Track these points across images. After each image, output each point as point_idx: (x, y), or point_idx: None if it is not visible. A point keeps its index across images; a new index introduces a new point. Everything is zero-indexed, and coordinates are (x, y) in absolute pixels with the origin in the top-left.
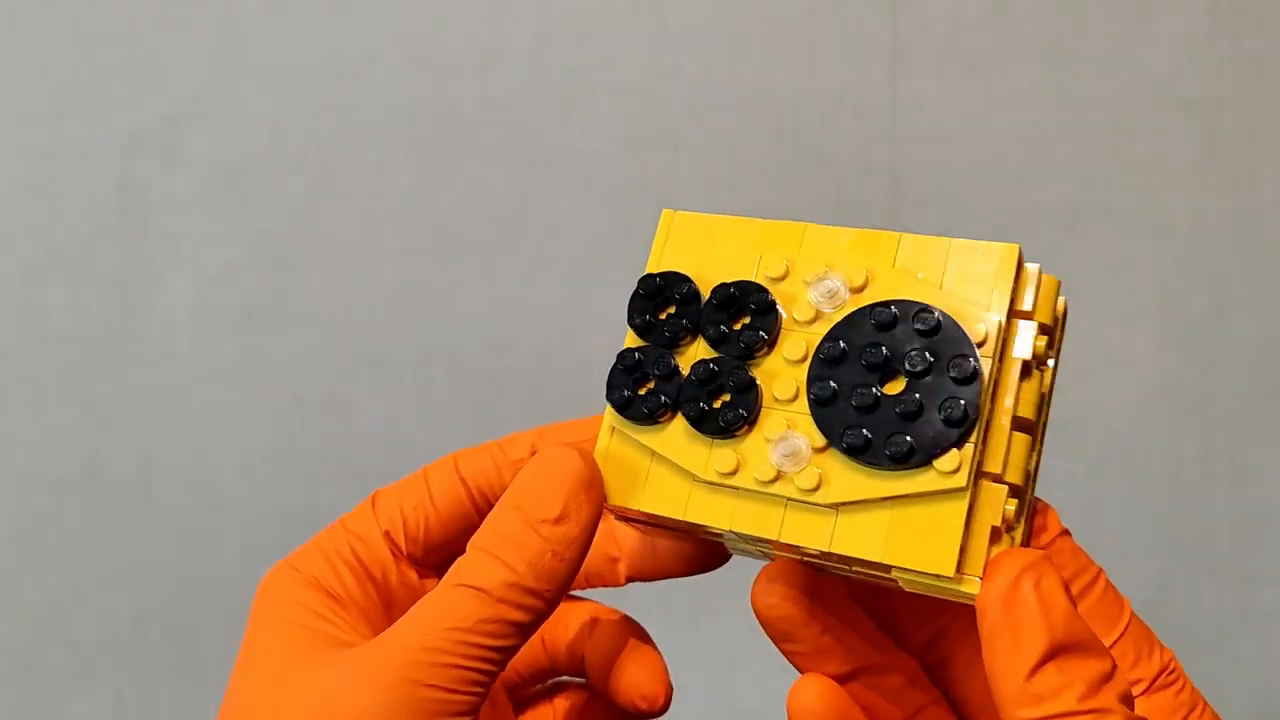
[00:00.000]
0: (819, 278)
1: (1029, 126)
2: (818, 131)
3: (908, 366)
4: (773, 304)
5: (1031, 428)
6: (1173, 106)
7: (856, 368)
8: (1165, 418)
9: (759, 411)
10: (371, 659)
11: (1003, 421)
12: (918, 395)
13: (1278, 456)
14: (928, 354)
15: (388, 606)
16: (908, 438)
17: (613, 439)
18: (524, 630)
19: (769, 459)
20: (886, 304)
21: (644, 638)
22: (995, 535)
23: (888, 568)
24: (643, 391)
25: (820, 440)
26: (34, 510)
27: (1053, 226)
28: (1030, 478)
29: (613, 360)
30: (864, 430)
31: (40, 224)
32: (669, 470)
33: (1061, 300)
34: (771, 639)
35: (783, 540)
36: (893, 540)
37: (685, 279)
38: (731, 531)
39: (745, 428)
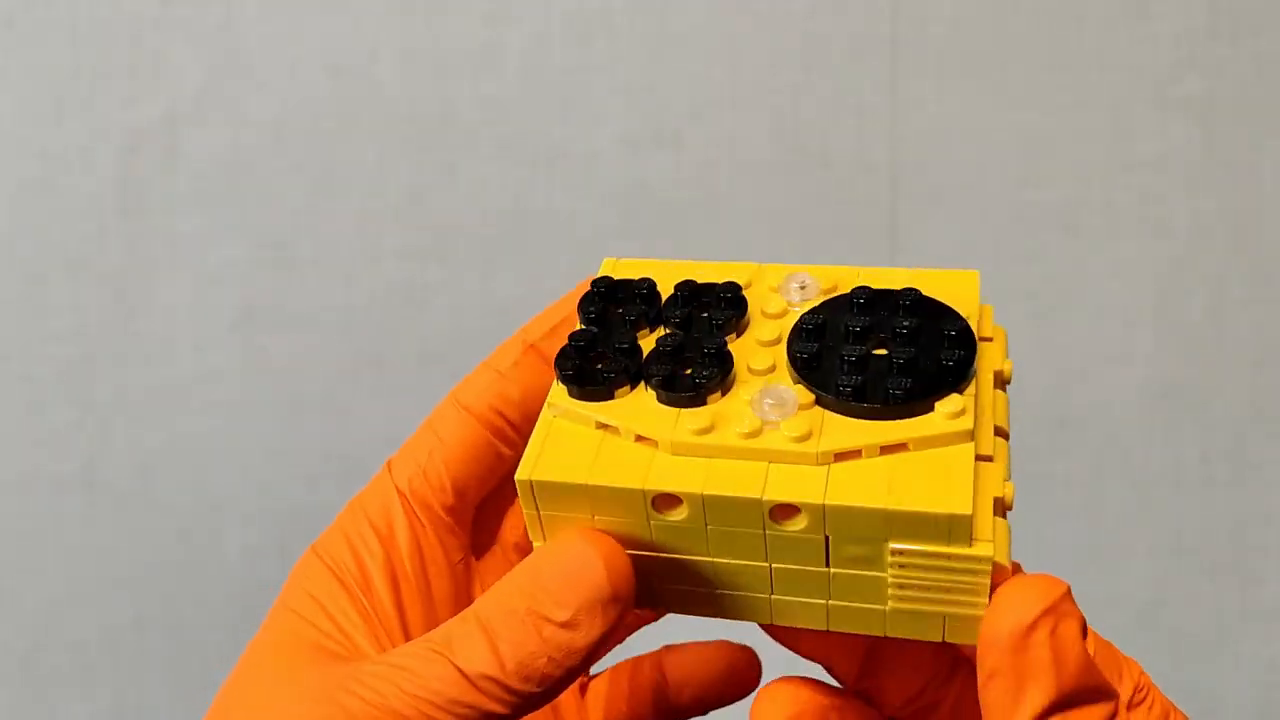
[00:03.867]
0: (789, 276)
1: (1029, 126)
2: (818, 131)
3: (896, 330)
4: (742, 296)
5: (1006, 439)
6: (1173, 106)
7: (838, 336)
8: (1165, 418)
9: (734, 379)
10: (338, 697)
11: (985, 417)
12: (911, 349)
13: (1278, 456)
14: (914, 321)
15: (423, 586)
16: (906, 380)
17: (555, 421)
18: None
19: (751, 413)
20: (864, 288)
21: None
22: (999, 508)
23: (884, 563)
24: (599, 366)
25: (808, 398)
26: (34, 510)
27: (1053, 226)
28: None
29: None
30: (858, 378)
31: (40, 224)
32: (624, 445)
33: (1008, 364)
34: None
35: (767, 498)
36: (897, 487)
37: (644, 279)
38: (703, 496)
39: (719, 393)
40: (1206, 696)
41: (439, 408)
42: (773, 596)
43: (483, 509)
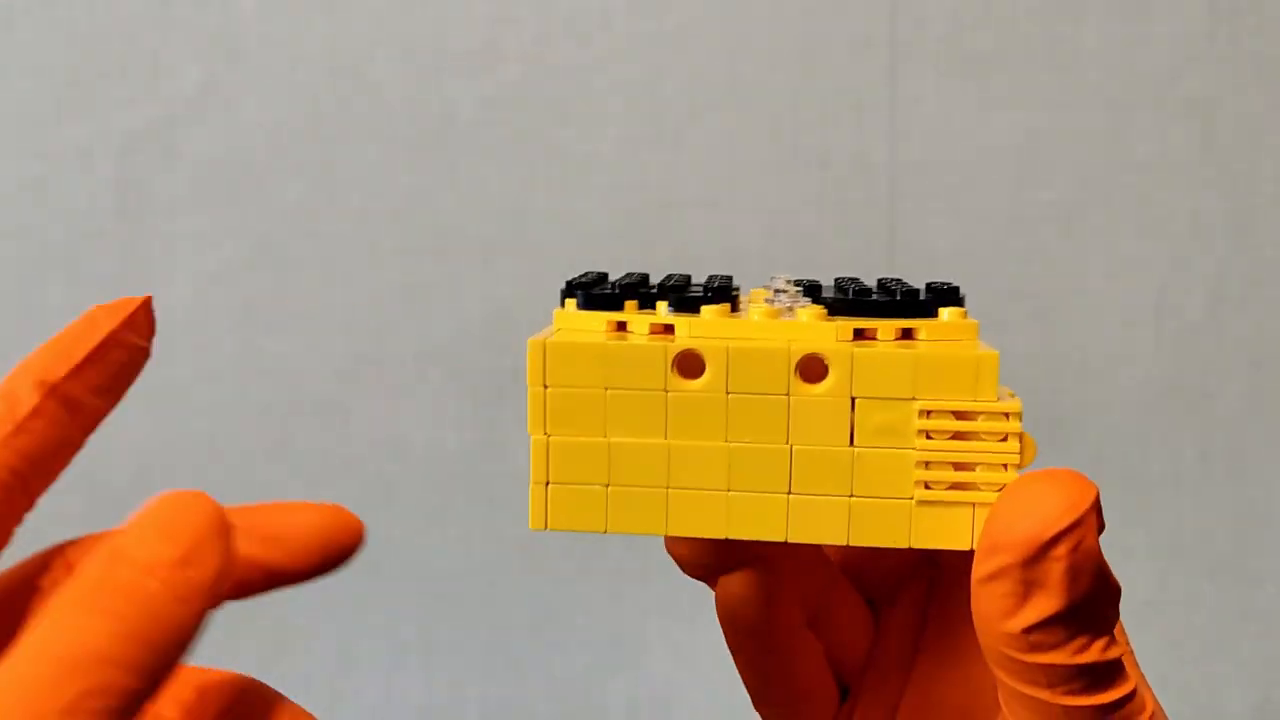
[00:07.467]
0: (771, 281)
1: (1029, 126)
2: (818, 131)
3: (894, 294)
4: (734, 285)
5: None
6: (1173, 106)
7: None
8: (1165, 418)
9: (742, 308)
10: None
11: None
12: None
13: (1278, 456)
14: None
15: None
16: (911, 287)
17: (560, 331)
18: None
19: (766, 306)
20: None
21: None
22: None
23: (910, 434)
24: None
25: (818, 308)
26: (34, 510)
27: (1053, 226)
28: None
29: None
30: (863, 288)
31: (40, 224)
32: (638, 336)
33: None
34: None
35: (796, 347)
36: (922, 348)
37: (635, 272)
38: (729, 350)
39: (729, 304)
40: (1206, 696)
41: None
42: (791, 495)
43: None
